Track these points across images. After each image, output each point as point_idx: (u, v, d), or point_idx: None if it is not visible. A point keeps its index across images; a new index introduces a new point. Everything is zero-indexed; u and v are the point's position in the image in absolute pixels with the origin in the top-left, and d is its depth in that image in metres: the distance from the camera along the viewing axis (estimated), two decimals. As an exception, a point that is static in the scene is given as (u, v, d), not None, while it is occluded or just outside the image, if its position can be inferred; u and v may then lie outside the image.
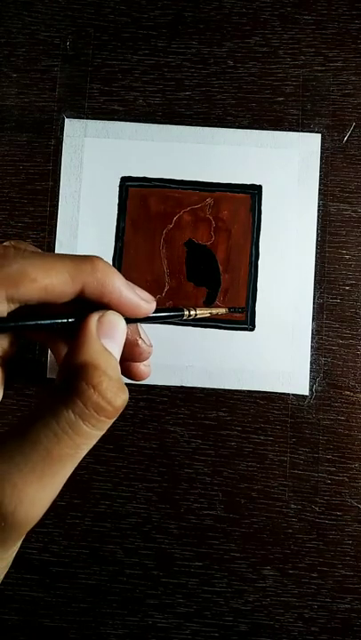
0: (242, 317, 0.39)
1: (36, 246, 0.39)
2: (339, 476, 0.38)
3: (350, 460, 0.38)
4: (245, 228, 0.39)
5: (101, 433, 0.21)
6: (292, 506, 0.38)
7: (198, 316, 0.31)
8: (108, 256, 0.39)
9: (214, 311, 0.34)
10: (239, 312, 0.38)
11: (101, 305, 0.23)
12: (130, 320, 0.24)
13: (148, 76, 0.40)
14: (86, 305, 0.23)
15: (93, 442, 0.21)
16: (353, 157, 0.40)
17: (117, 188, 0.39)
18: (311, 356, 0.38)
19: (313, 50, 0.40)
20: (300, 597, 0.37)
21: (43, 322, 0.22)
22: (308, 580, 0.37)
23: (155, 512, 0.38)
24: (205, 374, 0.39)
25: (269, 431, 0.38)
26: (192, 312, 0.30)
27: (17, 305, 0.21)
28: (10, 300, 0.21)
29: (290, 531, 0.38)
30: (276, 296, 0.39)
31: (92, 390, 0.20)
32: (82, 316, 0.22)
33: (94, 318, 0.22)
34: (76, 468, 0.40)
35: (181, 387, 0.39)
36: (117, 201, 0.39)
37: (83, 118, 0.40)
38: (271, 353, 0.39)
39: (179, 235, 0.39)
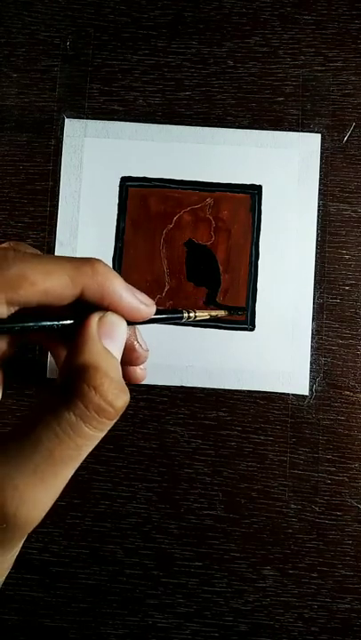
0: (242, 317, 0.39)
1: (35, 247, 0.39)
2: (339, 476, 0.38)
3: (350, 460, 0.38)
4: (245, 227, 0.39)
5: (102, 434, 0.21)
6: (292, 506, 0.38)
7: (198, 318, 0.31)
8: (108, 256, 0.39)
9: (213, 313, 0.34)
10: (239, 314, 0.38)
11: (101, 308, 0.23)
12: (130, 322, 0.24)
13: (148, 76, 0.40)
14: (86, 308, 0.23)
15: (95, 443, 0.21)
16: (353, 157, 0.40)
17: (117, 188, 0.39)
18: (311, 355, 0.39)
19: (313, 50, 0.40)
20: (300, 597, 0.37)
21: (42, 323, 0.22)
22: (308, 580, 0.37)
23: (155, 512, 0.38)
24: (205, 374, 0.39)
25: (269, 431, 0.38)
26: (191, 314, 0.30)
27: (16, 308, 0.21)
28: (9, 302, 0.21)
29: (290, 531, 0.38)
30: (276, 296, 0.39)
31: (94, 392, 0.20)
32: (82, 317, 0.22)
33: (95, 319, 0.22)
34: (77, 469, 0.40)
35: (181, 387, 0.39)
36: (117, 201, 0.39)
37: (83, 118, 0.40)
38: (271, 353, 0.39)
39: (179, 235, 0.39)
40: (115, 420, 0.21)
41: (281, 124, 0.40)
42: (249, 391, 0.38)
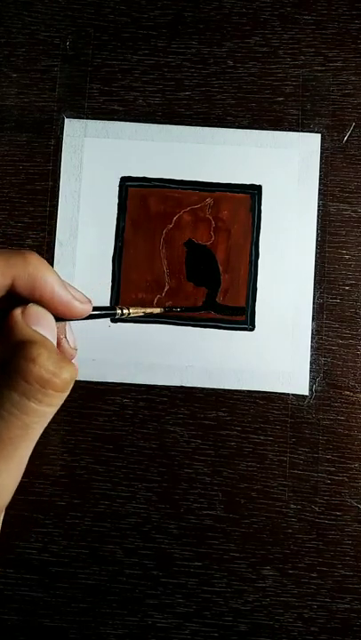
0: (242, 317, 0.39)
1: (35, 247, 0.39)
2: (338, 476, 0.38)
3: (350, 460, 0.38)
4: (245, 227, 0.39)
5: (52, 409, 0.20)
6: (292, 506, 0.38)
7: (132, 315, 0.31)
8: (107, 256, 0.39)
9: (148, 311, 0.34)
10: (177, 311, 0.38)
11: (33, 301, 0.23)
12: (59, 319, 0.24)
13: (148, 76, 0.40)
14: (18, 301, 0.22)
15: (46, 420, 0.21)
16: (353, 157, 0.40)
17: (117, 188, 0.39)
18: (311, 355, 0.38)
19: (313, 50, 0.40)
20: (299, 597, 0.37)
21: None
22: (308, 580, 0.37)
23: (154, 512, 0.38)
24: (205, 374, 0.38)
25: (269, 431, 0.38)
26: (125, 311, 0.30)
27: None
28: None
29: (290, 531, 0.38)
30: (276, 296, 0.39)
31: (33, 364, 0.19)
32: (6, 310, 0.22)
33: (17, 310, 0.22)
34: (76, 468, 0.40)
35: (181, 387, 0.39)
36: (117, 201, 0.39)
37: (82, 118, 0.40)
38: (271, 353, 0.39)
39: (179, 235, 0.39)
40: (63, 394, 0.21)
41: (281, 124, 0.40)
42: (249, 391, 0.38)
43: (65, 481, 0.38)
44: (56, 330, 0.24)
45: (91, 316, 0.26)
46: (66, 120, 0.40)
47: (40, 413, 0.20)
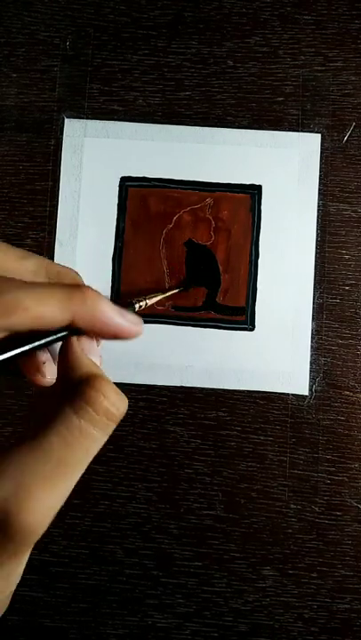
0: (242, 317, 0.39)
1: (35, 247, 0.39)
2: (338, 476, 0.38)
3: (350, 460, 0.38)
4: (245, 227, 0.39)
5: (107, 437, 0.22)
6: (292, 506, 0.38)
7: (149, 304, 0.32)
8: (107, 256, 0.39)
9: (165, 295, 0.36)
10: (185, 290, 0.38)
11: (93, 333, 0.24)
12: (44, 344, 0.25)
13: (148, 75, 0.40)
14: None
15: (100, 446, 0.22)
16: (353, 157, 0.40)
17: (117, 188, 0.39)
18: (311, 356, 0.38)
19: (313, 50, 0.40)
20: (299, 597, 0.37)
21: (39, 343, 0.23)
22: (308, 580, 0.37)
23: (154, 512, 0.38)
24: (205, 374, 0.38)
25: (269, 431, 0.38)
26: (142, 303, 0.31)
27: (6, 333, 0.22)
28: (1, 329, 0.21)
29: (290, 531, 0.38)
30: (276, 296, 0.39)
31: (103, 397, 0.21)
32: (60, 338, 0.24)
33: (74, 339, 0.24)
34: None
35: (181, 387, 0.39)
36: (117, 201, 0.39)
37: (82, 118, 0.40)
38: (271, 353, 0.39)
39: (179, 235, 0.39)
40: (117, 423, 0.22)
41: (281, 124, 0.40)
42: (249, 391, 0.38)
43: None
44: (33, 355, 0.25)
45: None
46: (66, 120, 0.40)
47: (98, 440, 0.22)
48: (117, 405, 0.22)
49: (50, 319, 0.22)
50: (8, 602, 0.26)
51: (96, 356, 0.25)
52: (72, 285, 0.24)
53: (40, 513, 0.20)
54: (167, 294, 0.36)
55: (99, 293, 0.24)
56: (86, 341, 0.24)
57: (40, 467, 0.20)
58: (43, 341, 0.23)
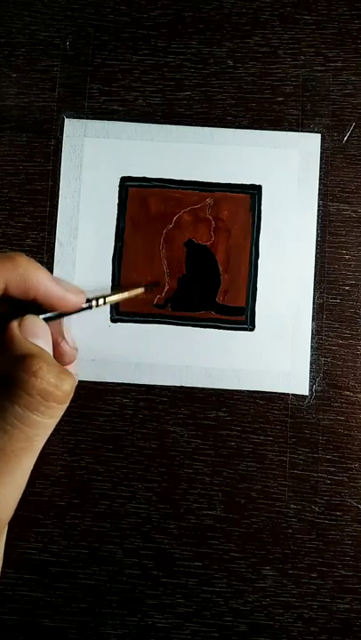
0: (242, 317, 0.39)
1: (35, 247, 0.39)
2: (338, 476, 0.38)
3: (350, 460, 0.38)
4: (245, 228, 0.39)
5: (54, 421, 0.21)
6: (292, 506, 0.38)
7: (107, 302, 0.31)
8: (107, 256, 0.39)
9: (125, 296, 0.35)
10: (153, 288, 0.38)
11: (28, 302, 0.23)
12: (49, 318, 0.24)
13: (148, 76, 0.40)
14: (14, 305, 0.23)
15: (47, 431, 0.21)
16: (353, 157, 0.40)
17: (117, 188, 0.39)
18: (311, 356, 0.38)
19: (313, 50, 0.40)
20: (299, 597, 0.37)
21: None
22: (308, 580, 0.37)
23: (154, 512, 0.38)
24: (205, 374, 0.39)
25: (269, 431, 0.38)
26: (100, 300, 0.30)
27: None
28: None
29: (290, 531, 0.38)
30: (276, 296, 0.39)
31: (34, 378, 0.20)
32: (3, 322, 0.23)
33: (15, 323, 0.22)
34: (76, 468, 0.40)
35: (181, 387, 0.39)
36: (117, 201, 0.39)
37: (82, 118, 0.40)
38: (271, 353, 0.39)
39: (179, 235, 0.39)
40: (64, 405, 0.21)
41: (281, 124, 0.40)
42: (249, 391, 0.38)
43: (65, 481, 0.38)
44: (51, 339, 0.24)
45: (70, 313, 0.27)
46: (66, 120, 0.40)
47: (42, 425, 0.20)
48: (56, 384, 0.20)
49: None
50: None
51: (48, 341, 0.23)
52: (2, 254, 0.23)
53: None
54: (126, 296, 0.35)
55: (32, 260, 0.23)
56: (33, 325, 0.23)
57: None
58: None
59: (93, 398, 0.38)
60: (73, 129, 0.40)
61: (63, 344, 0.28)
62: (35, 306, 0.24)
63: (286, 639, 0.37)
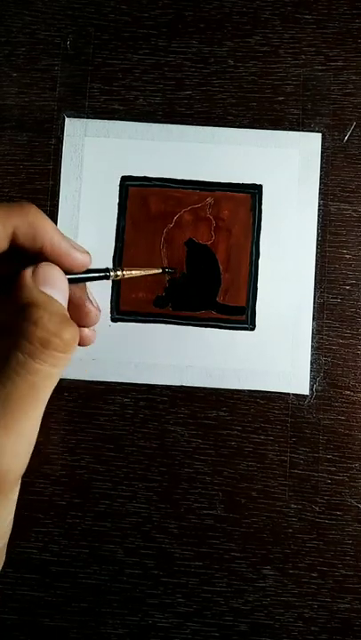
0: (242, 317, 0.39)
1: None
2: (339, 475, 0.38)
3: (351, 460, 0.38)
4: (246, 227, 0.39)
5: (57, 370, 0.21)
6: (293, 506, 0.38)
7: (126, 277, 0.33)
8: (108, 256, 0.39)
9: (144, 272, 0.36)
10: (171, 273, 0.38)
11: (36, 254, 0.23)
12: (73, 279, 0.24)
13: (149, 75, 0.40)
14: (23, 260, 0.23)
15: (52, 381, 0.21)
16: (354, 157, 0.40)
17: (118, 188, 0.39)
18: (311, 355, 0.38)
19: (314, 49, 0.40)
20: (300, 597, 0.37)
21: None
22: (308, 580, 0.37)
23: (155, 512, 0.38)
24: (205, 374, 0.38)
25: (270, 431, 0.38)
26: (118, 273, 0.31)
27: None
28: None
29: (290, 530, 0.38)
30: (276, 296, 0.39)
31: (34, 326, 0.20)
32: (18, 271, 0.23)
33: (28, 271, 0.22)
34: (76, 468, 0.40)
35: (181, 386, 0.39)
36: (118, 200, 0.39)
37: (83, 118, 0.40)
38: (271, 352, 0.39)
39: (179, 234, 0.39)
40: (66, 354, 0.21)
41: (281, 124, 0.40)
42: (249, 391, 0.38)
43: (65, 481, 0.38)
44: (68, 289, 0.24)
45: (90, 278, 0.27)
46: (66, 119, 0.40)
47: (45, 374, 0.20)
48: (58, 333, 0.20)
49: None
50: (4, 543, 0.24)
51: (63, 291, 0.23)
52: (11, 202, 0.23)
53: (8, 456, 0.20)
54: (142, 272, 0.36)
55: (40, 211, 0.23)
56: (47, 273, 0.23)
57: None
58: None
59: (94, 398, 0.38)
60: (73, 128, 0.40)
61: (88, 304, 0.28)
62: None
63: (287, 639, 0.37)
